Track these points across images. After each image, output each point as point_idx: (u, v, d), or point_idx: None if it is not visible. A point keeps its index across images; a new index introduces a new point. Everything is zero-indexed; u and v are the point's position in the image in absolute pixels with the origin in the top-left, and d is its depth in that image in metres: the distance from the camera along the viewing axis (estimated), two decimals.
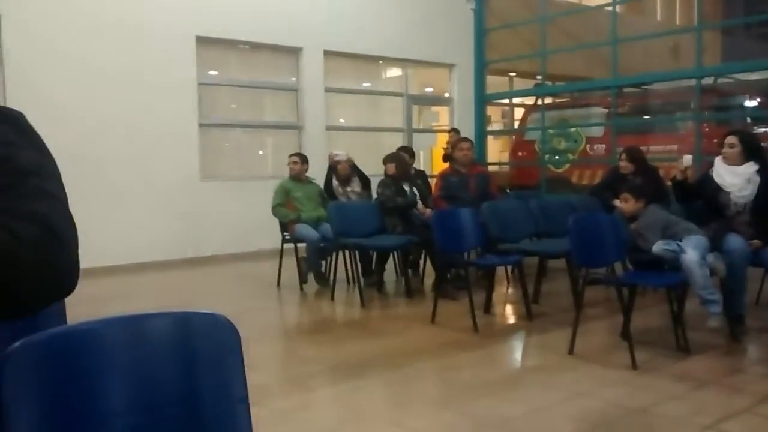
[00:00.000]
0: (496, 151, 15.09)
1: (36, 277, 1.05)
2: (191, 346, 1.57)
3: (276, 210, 6.94)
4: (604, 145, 10.45)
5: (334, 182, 7.30)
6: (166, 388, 1.51)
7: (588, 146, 10.87)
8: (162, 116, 8.42)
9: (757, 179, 4.79)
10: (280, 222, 7.00)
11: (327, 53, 10.05)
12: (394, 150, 7.68)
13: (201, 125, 8.91)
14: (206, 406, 1.56)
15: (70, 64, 7.77)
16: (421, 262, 7.33)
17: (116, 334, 1.46)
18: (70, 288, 1.15)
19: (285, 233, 6.97)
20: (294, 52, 9.83)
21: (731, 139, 4.90)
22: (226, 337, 1.61)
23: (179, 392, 1.53)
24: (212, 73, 9.28)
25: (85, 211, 6.86)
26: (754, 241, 4.75)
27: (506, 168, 12.50)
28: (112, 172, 8.05)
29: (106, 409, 1.38)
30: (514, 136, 12.95)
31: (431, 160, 12.22)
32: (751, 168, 4.81)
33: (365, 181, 7.37)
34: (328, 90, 10.13)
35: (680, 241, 4.51)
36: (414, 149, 8.62)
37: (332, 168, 7.36)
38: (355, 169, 7.37)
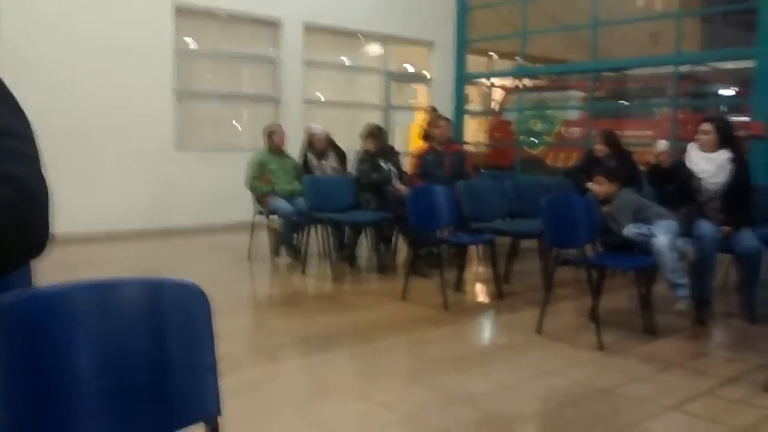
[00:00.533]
0: (474, 131, 15.11)
1: (10, 238, 1.04)
2: (162, 313, 1.55)
3: (251, 183, 6.89)
4: (579, 129, 10.52)
5: (310, 156, 7.23)
6: (135, 355, 1.49)
7: (564, 129, 10.92)
8: (137, 84, 8.28)
9: (730, 167, 4.85)
10: (254, 195, 6.96)
11: (307, 26, 9.94)
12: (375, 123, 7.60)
13: (177, 94, 8.77)
14: (175, 373, 1.54)
15: (47, 32, 7.59)
16: (394, 238, 7.34)
17: (86, 299, 1.43)
18: (41, 249, 1.15)
19: (259, 206, 6.93)
20: (274, 24, 9.70)
21: (706, 126, 4.94)
22: (197, 306, 1.59)
23: (149, 359, 1.51)
24: (190, 42, 9.14)
25: (59, 179, 6.75)
26: (724, 227, 4.82)
27: (483, 148, 12.53)
28: (87, 140, 7.91)
29: (73, 373, 1.36)
30: (491, 117, 12.97)
31: (408, 138, 12.19)
32: (724, 155, 4.87)
33: (342, 156, 7.32)
34: (306, 63, 10.03)
35: (651, 225, 4.56)
36: (391, 126, 8.58)
37: (309, 142, 7.29)
38: (331, 144, 7.32)
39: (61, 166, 7.33)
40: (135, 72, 8.23)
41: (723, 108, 9.46)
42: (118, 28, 8.09)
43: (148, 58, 8.39)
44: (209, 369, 1.58)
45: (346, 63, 11.22)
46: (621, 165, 5.99)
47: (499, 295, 5.56)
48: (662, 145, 5.23)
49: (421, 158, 6.77)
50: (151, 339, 1.51)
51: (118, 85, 8.11)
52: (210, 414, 1.57)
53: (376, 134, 6.95)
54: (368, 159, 6.71)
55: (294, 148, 7.42)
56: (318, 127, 7.29)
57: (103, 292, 1.45)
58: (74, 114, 7.78)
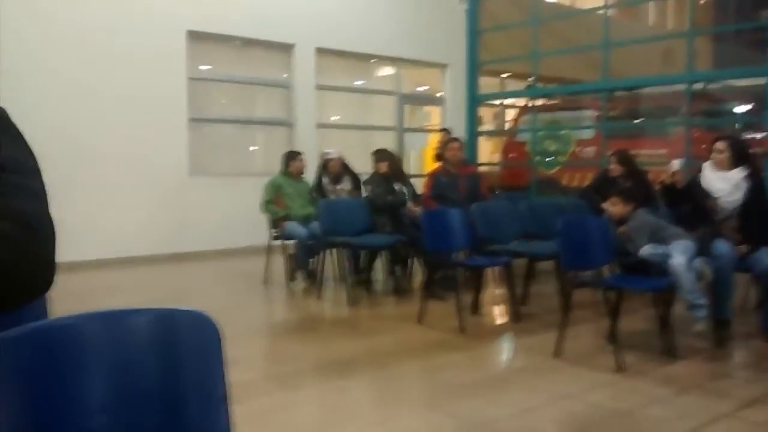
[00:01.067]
0: (488, 152, 15.11)
1: (15, 273, 1.04)
2: (173, 343, 1.55)
3: (265, 206, 6.92)
4: (594, 148, 10.48)
5: (324, 180, 7.26)
6: (146, 386, 1.49)
7: (578, 149, 10.89)
8: (152, 111, 8.38)
9: (745, 185, 4.81)
10: (269, 218, 6.98)
11: (319, 50, 10.03)
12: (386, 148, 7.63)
13: (191, 120, 8.87)
14: (187, 404, 1.54)
15: (61, 60, 7.72)
16: (410, 261, 7.33)
17: (97, 330, 1.44)
18: (46, 286, 1.14)
19: (274, 230, 6.95)
20: (286, 48, 9.80)
21: (720, 145, 4.91)
22: (208, 336, 1.59)
23: (160, 390, 1.51)
24: (203, 68, 9.25)
25: (73, 205, 6.83)
26: (741, 246, 4.77)
27: (497, 169, 12.52)
28: (102, 166, 8.00)
29: (85, 406, 1.36)
30: (505, 137, 12.97)
31: (422, 160, 12.22)
32: (739, 174, 4.83)
33: (356, 180, 7.34)
34: (319, 87, 10.11)
35: (668, 245, 4.52)
36: (405, 148, 8.61)
37: (323, 166, 7.33)
38: (346, 168, 7.34)
39: (76, 192, 7.43)
40: (149, 98, 8.33)
41: (737, 125, 9.40)
42: (132, 55, 8.21)
43: (162, 84, 8.50)
44: (220, 400, 1.57)
45: (359, 86, 11.29)
46: (636, 185, 5.96)
47: (516, 317, 5.53)
48: (676, 164, 5.21)
49: (434, 179, 6.77)
50: (162, 370, 1.51)
51: (132, 111, 8.21)
52: None
53: (390, 157, 6.96)
54: (382, 181, 6.72)
55: (308, 171, 7.45)
56: (333, 152, 7.32)
57: (114, 322, 1.46)
58: (89, 141, 7.88)
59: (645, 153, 9.92)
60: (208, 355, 1.59)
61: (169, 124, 8.60)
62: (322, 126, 10.21)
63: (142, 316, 1.51)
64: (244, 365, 4.31)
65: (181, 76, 8.71)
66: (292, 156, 7.19)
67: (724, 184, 4.84)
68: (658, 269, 4.52)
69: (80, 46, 7.85)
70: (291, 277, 6.96)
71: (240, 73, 9.53)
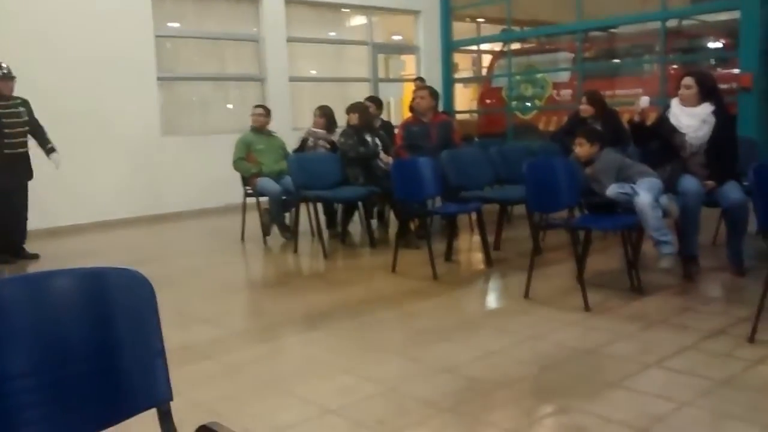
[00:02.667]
0: (467, 100, 15.01)
1: None
2: (103, 302, 1.55)
3: (237, 164, 6.88)
4: (570, 91, 10.43)
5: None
6: (77, 345, 1.49)
7: (555, 92, 10.84)
8: (120, 70, 8.23)
9: (713, 120, 4.81)
10: (241, 176, 6.95)
11: (288, 2, 9.85)
12: (361, 100, 7.57)
13: (160, 79, 8.73)
14: (122, 361, 1.55)
15: (26, 25, 7.55)
16: (386, 212, 7.34)
17: (17, 295, 1.43)
18: None
19: (247, 187, 6.92)
20: (254, 0, 9.62)
21: (688, 81, 4.89)
22: (140, 292, 1.59)
23: (93, 348, 1.52)
24: (171, 25, 9.07)
25: (46, 171, 6.71)
26: (708, 182, 4.80)
27: (476, 116, 12.46)
28: (71, 129, 7.86)
29: (3, 370, 1.36)
30: (481, 84, 12.87)
31: (401, 111, 12.12)
32: (707, 109, 4.82)
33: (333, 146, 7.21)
34: (290, 40, 9.95)
35: (634, 183, 4.54)
36: (382, 99, 8.55)
37: (304, 141, 7.23)
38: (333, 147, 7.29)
39: (48, 159, 7.31)
40: (116, 58, 8.17)
41: (712, 61, 9.36)
42: (97, 14, 8.03)
43: (128, 43, 8.33)
44: (157, 354, 1.58)
45: (332, 37, 11.13)
46: (606, 125, 5.96)
47: (488, 262, 5.57)
48: (644, 101, 5.19)
49: (405, 129, 6.73)
50: (93, 328, 1.52)
51: (99, 72, 8.06)
52: (161, 400, 1.58)
53: (361, 108, 6.91)
54: (353, 133, 6.68)
55: (281, 126, 7.39)
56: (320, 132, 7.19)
57: (36, 285, 1.46)
58: (57, 105, 7.73)
59: (621, 93, 9.90)
60: (142, 311, 1.59)
61: (137, 84, 8.46)
62: (294, 80, 10.09)
63: (65, 277, 1.51)
64: (217, 322, 4.34)
65: (148, 34, 8.54)
66: (252, 111, 7.14)
67: (692, 119, 4.84)
68: (624, 208, 4.55)
69: (43, 5, 7.67)
70: (267, 233, 6.96)
71: (208, 28, 9.35)
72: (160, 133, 8.71)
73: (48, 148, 6.54)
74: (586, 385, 3.07)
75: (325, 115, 7.21)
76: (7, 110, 6.19)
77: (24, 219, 6.52)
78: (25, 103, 6.39)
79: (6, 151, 6.18)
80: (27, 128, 6.39)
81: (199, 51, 9.47)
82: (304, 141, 7.15)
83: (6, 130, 6.17)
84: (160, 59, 8.75)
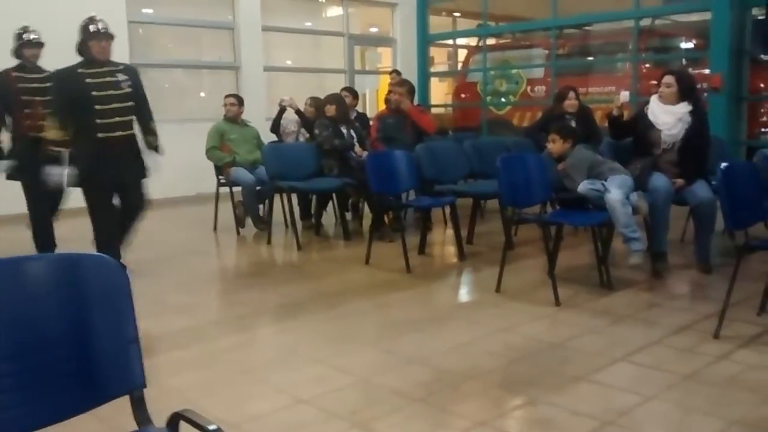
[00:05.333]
0: (442, 93, 15.06)
1: None
2: (78, 288, 1.55)
3: (210, 153, 6.84)
4: (544, 87, 10.52)
5: (282, 125, 7.29)
6: (49, 331, 1.49)
7: (529, 88, 10.92)
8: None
9: (689, 119, 4.89)
10: (215, 165, 6.91)
11: None
12: (337, 91, 7.58)
13: (133, 65, 8.61)
14: (96, 347, 1.55)
15: None
16: (360, 204, 7.35)
17: None
18: None
19: (220, 177, 6.89)
20: None
21: (668, 79, 4.96)
22: (114, 279, 1.60)
23: (65, 334, 1.52)
24: (145, 11, 8.96)
25: None
26: (678, 180, 4.88)
27: (451, 110, 12.51)
28: None
29: None
30: (457, 78, 12.92)
31: (376, 103, 12.13)
32: (684, 108, 4.90)
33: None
34: (265, 29, 9.89)
35: (605, 180, 4.61)
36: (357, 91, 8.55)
37: (281, 111, 7.28)
38: (301, 116, 7.31)
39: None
40: None
41: (683, 61, 9.49)
42: (67, 1, 7.90)
43: None
44: (131, 341, 1.59)
45: (308, 27, 11.08)
46: (580, 122, 6.03)
47: (461, 256, 5.62)
48: (624, 96, 5.28)
49: (380, 121, 6.74)
50: (67, 314, 1.52)
51: (70, 59, 7.90)
52: (135, 386, 1.59)
53: (337, 100, 6.90)
54: (329, 125, 6.67)
55: (256, 116, 7.36)
56: (286, 99, 7.24)
57: (8, 270, 1.45)
58: None
59: (594, 90, 10.01)
60: (116, 298, 1.60)
61: None
62: (269, 69, 10.03)
63: (39, 262, 1.51)
64: (191, 312, 4.33)
65: (120, 20, 8.42)
66: (224, 102, 7.11)
67: (669, 117, 4.92)
68: (595, 204, 4.61)
69: None
70: (241, 223, 6.94)
71: (182, 15, 9.26)
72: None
73: (149, 140, 4.93)
74: (554, 378, 3.12)
75: (315, 106, 7.21)
76: (99, 79, 4.62)
77: (128, 228, 5.05)
78: (128, 70, 4.86)
79: (99, 134, 4.57)
80: (130, 103, 4.72)
81: (173, 38, 9.38)
82: (282, 111, 7.20)
83: (97, 106, 4.55)
84: (133, 45, 8.64)
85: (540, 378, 3.13)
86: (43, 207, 5.52)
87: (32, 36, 5.49)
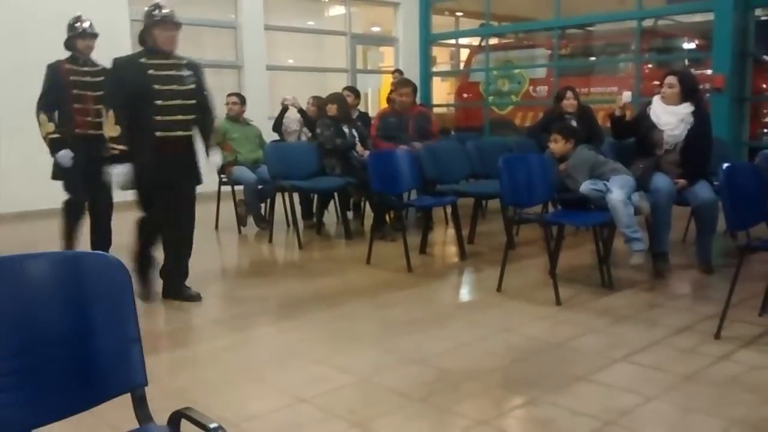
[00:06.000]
0: (444, 93, 15.06)
1: None
2: (80, 287, 1.56)
3: None
4: (546, 87, 10.52)
5: (285, 124, 7.30)
6: (51, 329, 1.49)
7: (531, 88, 10.92)
8: (95, 55, 8.10)
9: (691, 120, 4.89)
10: None
11: None
12: (339, 91, 7.58)
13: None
14: (97, 345, 1.56)
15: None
16: (362, 204, 7.35)
17: None
18: None
19: (222, 175, 6.89)
20: None
21: (671, 80, 4.96)
22: (116, 278, 1.60)
23: (67, 332, 1.52)
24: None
25: (14, 152, 6.58)
26: (680, 180, 4.88)
27: (453, 110, 12.51)
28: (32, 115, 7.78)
29: None
30: (459, 78, 12.92)
31: (378, 102, 12.12)
32: (687, 109, 4.90)
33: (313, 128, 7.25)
34: (268, 28, 9.89)
35: (607, 181, 4.61)
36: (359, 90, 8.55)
37: (283, 111, 7.29)
38: (303, 115, 7.33)
39: (19, 142, 7.23)
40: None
41: (686, 62, 9.49)
42: (71, 3, 7.90)
43: (103, 28, 8.17)
44: (133, 340, 1.59)
45: (310, 26, 11.08)
46: (581, 122, 6.03)
47: (462, 256, 5.62)
48: (627, 96, 5.27)
49: (382, 120, 6.73)
50: (69, 313, 1.52)
51: None
52: (136, 384, 1.59)
53: (339, 99, 6.90)
54: (331, 124, 6.67)
55: (258, 116, 7.36)
56: (289, 98, 7.26)
57: (10, 268, 1.45)
58: (30, 89, 7.62)
59: (596, 90, 10.01)
60: (118, 297, 1.60)
61: None
62: (272, 68, 10.04)
63: (41, 260, 1.51)
64: (193, 311, 4.33)
65: (123, 19, 8.44)
66: (227, 98, 7.12)
67: (671, 117, 4.91)
68: (597, 204, 4.61)
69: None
70: (243, 222, 6.94)
71: (185, 14, 9.23)
72: None
73: (207, 144, 4.52)
74: (555, 378, 3.12)
75: (318, 105, 7.24)
76: (163, 72, 4.13)
77: (188, 242, 4.55)
78: (193, 65, 4.34)
79: (156, 133, 4.08)
80: (193, 101, 4.22)
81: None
82: (284, 110, 7.21)
83: (158, 102, 4.06)
84: (135, 44, 8.63)
85: (541, 378, 3.13)
86: (81, 211, 5.24)
87: (86, 26, 5.15)
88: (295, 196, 6.64)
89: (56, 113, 4.99)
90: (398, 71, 9.98)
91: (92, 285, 1.56)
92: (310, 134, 7.16)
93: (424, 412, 2.82)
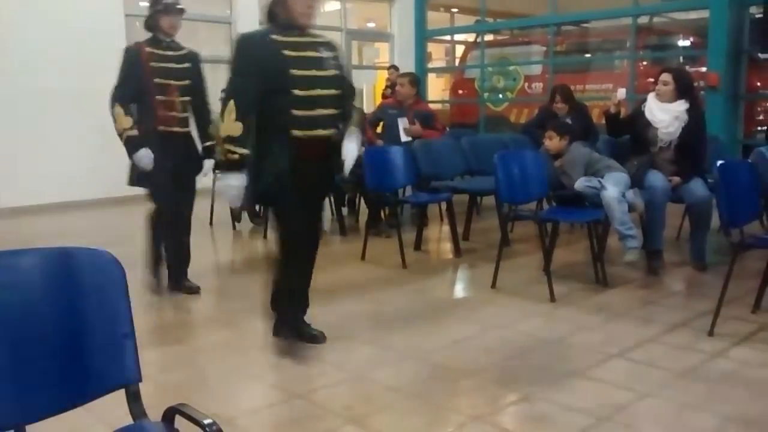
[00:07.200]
0: (439, 89, 15.04)
1: None
2: (74, 282, 1.55)
3: None
4: (541, 84, 10.53)
5: None
6: (44, 325, 1.48)
7: (526, 84, 10.92)
8: (89, 51, 8.08)
9: (686, 117, 4.89)
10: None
11: None
12: None
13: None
14: (91, 341, 1.55)
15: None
16: (357, 200, 7.35)
17: None
18: None
19: (216, 171, 6.85)
20: None
21: (666, 77, 4.96)
22: (110, 273, 1.59)
23: (61, 328, 1.51)
24: (143, 4, 8.92)
25: (15, 148, 6.55)
26: (674, 177, 4.89)
27: (448, 106, 12.50)
28: (40, 108, 7.76)
29: None
30: (454, 74, 12.91)
31: (373, 98, 12.11)
32: (681, 106, 4.90)
33: None
34: (263, 23, 9.85)
35: (602, 178, 4.61)
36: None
37: None
38: None
39: (18, 137, 7.21)
40: (86, 37, 8.03)
41: (680, 59, 9.51)
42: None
43: (98, 23, 8.18)
44: (126, 335, 1.58)
45: None
46: (575, 119, 6.03)
47: (457, 252, 5.62)
48: (621, 93, 5.27)
49: (381, 109, 6.71)
50: (62, 308, 1.51)
51: (69, 52, 7.92)
52: (130, 380, 1.58)
53: None
54: None
55: None
56: None
57: (2, 264, 1.44)
58: (25, 84, 7.61)
59: (592, 88, 10.02)
60: (112, 292, 1.59)
61: (107, 63, 8.25)
62: None
63: (34, 256, 1.50)
64: (186, 306, 4.32)
65: (118, 13, 8.41)
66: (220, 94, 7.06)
67: (666, 115, 4.91)
68: (591, 201, 4.62)
69: None
70: (236, 218, 6.93)
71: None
72: None
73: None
74: (549, 374, 3.12)
75: None
76: (301, 52, 3.22)
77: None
78: (332, 45, 3.47)
79: (294, 132, 3.21)
80: (337, 91, 3.35)
81: None
82: None
83: (296, 92, 3.19)
84: (130, 38, 8.60)
85: (536, 374, 3.13)
86: (176, 225, 4.53)
87: (170, 0, 4.25)
88: None
89: (134, 107, 4.22)
90: (393, 67, 9.97)
91: (85, 280, 1.55)
92: None
93: (419, 408, 2.82)
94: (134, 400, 1.57)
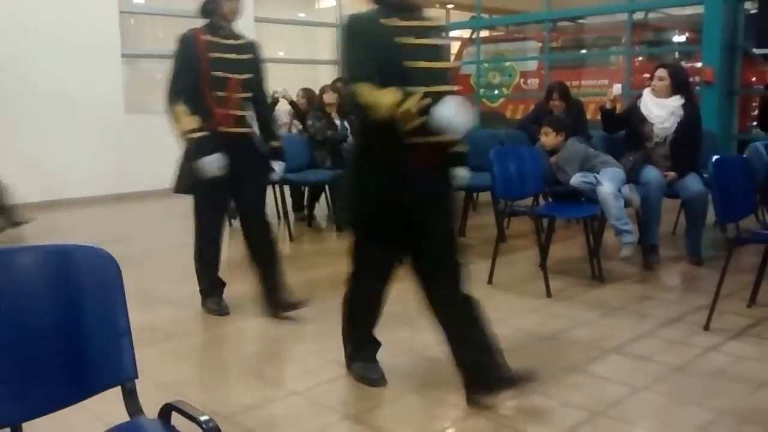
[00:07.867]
0: None
1: None
2: (70, 279, 1.55)
3: None
4: (537, 80, 10.53)
5: (274, 116, 7.28)
6: (40, 323, 1.48)
7: (522, 80, 10.93)
8: (83, 47, 8.08)
9: (681, 113, 4.91)
10: None
11: None
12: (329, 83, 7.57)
13: (124, 56, 8.58)
14: (88, 338, 1.55)
15: None
16: None
17: None
18: None
19: None
20: None
21: (661, 72, 4.98)
22: (107, 271, 1.59)
23: (57, 326, 1.51)
24: (136, 1, 8.91)
25: (9, 148, 6.54)
26: (670, 173, 4.90)
27: None
28: (34, 106, 7.74)
29: None
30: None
31: None
32: (677, 102, 4.92)
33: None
34: (258, 20, 9.84)
35: (598, 173, 4.62)
36: None
37: (273, 103, 7.26)
38: (294, 107, 7.30)
39: (11, 135, 7.18)
40: (79, 35, 8.02)
41: (676, 54, 9.52)
42: None
43: (91, 20, 8.16)
44: (123, 333, 1.59)
45: (301, 18, 11.04)
46: (570, 115, 6.03)
47: None
48: (617, 89, 5.28)
49: None
50: (59, 306, 1.51)
51: (62, 49, 7.90)
52: (127, 378, 1.58)
53: (338, 90, 6.88)
54: (323, 116, 6.66)
55: None
56: (279, 90, 7.24)
57: (1, 260, 1.44)
58: (19, 82, 7.58)
59: (587, 83, 10.03)
60: (108, 289, 1.59)
61: (101, 61, 8.31)
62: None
63: (30, 254, 1.50)
64: (182, 303, 4.31)
65: (112, 10, 8.39)
66: None
67: (661, 110, 4.93)
68: (587, 197, 4.63)
69: None
70: (233, 214, 6.90)
71: (174, 5, 9.20)
72: (124, 111, 8.59)
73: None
74: (546, 370, 3.12)
75: (308, 97, 7.24)
76: (416, 40, 2.57)
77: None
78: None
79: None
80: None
81: (164, 28, 9.32)
82: (274, 102, 7.18)
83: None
84: (124, 36, 8.60)
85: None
86: (219, 235, 4.22)
87: None
88: (286, 189, 6.61)
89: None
90: None
91: (82, 278, 1.55)
92: (300, 126, 7.14)
93: (418, 403, 2.83)
94: (130, 397, 1.57)
